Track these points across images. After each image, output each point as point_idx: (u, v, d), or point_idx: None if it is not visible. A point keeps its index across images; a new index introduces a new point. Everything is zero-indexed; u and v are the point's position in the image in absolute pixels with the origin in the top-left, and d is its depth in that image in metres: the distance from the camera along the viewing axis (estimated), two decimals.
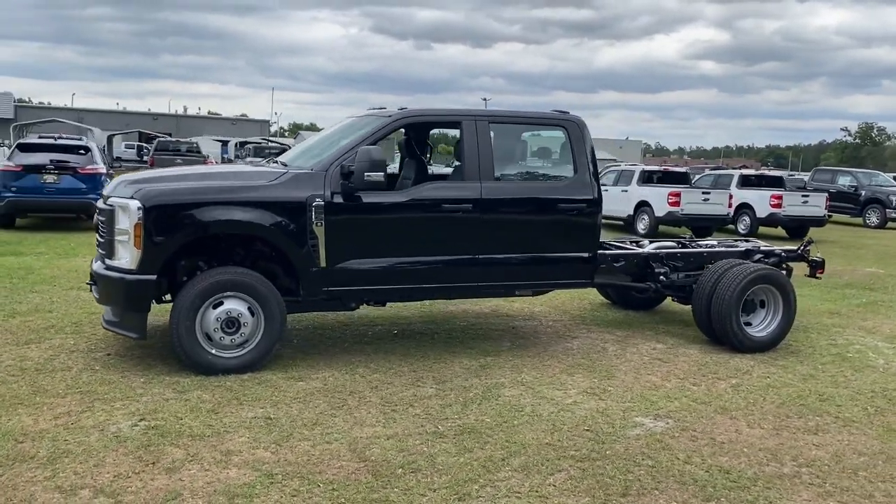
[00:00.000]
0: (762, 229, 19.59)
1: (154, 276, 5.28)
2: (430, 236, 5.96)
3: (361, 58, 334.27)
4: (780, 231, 19.91)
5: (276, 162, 6.42)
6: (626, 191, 19.27)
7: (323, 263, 5.62)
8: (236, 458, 4.06)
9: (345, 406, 4.94)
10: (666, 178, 19.85)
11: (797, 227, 19.69)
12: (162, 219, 5.27)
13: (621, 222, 19.10)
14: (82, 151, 14.46)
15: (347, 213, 5.66)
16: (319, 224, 5.55)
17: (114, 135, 50.42)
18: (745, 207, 19.68)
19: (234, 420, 4.60)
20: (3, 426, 4.34)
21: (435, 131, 8.85)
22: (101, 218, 5.53)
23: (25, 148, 14.37)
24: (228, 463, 3.99)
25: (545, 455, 4.31)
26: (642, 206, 18.67)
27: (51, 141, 14.74)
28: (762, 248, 7.75)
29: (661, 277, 7.14)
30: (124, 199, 5.33)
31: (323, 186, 5.60)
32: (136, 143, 56.98)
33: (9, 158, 14.03)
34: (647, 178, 19.47)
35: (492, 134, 6.18)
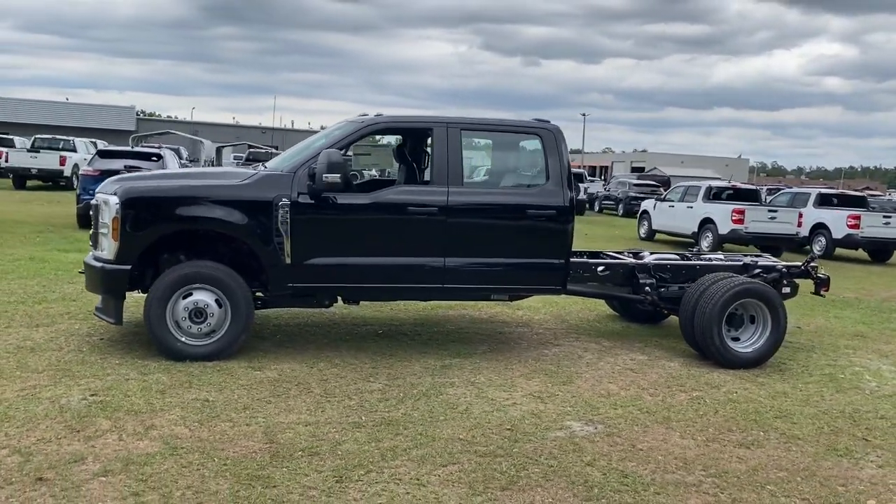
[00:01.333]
0: (841, 251, 18.62)
1: (128, 267, 5.74)
2: (395, 238, 6.17)
3: (470, 74, 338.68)
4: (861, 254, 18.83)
5: (264, 166, 6.82)
6: (692, 207, 18.78)
7: (288, 260, 5.93)
8: (155, 432, 4.40)
9: (285, 395, 5.21)
10: (735, 195, 19.18)
11: (878, 250, 18.59)
12: (136, 213, 5.73)
13: (689, 239, 18.60)
14: (155, 158, 15.54)
15: (312, 212, 5.95)
16: (285, 222, 5.87)
17: (223, 146, 53.32)
18: (820, 227, 18.75)
19: (175, 400, 4.95)
20: None
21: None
22: (91, 212, 6.06)
23: (105, 154, 15.60)
24: (144, 436, 4.33)
25: (449, 449, 4.42)
26: (707, 223, 18.14)
27: (127, 148, 15.90)
28: (762, 262, 7.50)
29: (647, 288, 7.04)
30: (107, 195, 5.83)
31: (290, 187, 5.93)
32: (243, 155, 60.09)
33: (89, 164, 15.26)
34: (714, 195, 18.90)
35: (462, 141, 6.34)
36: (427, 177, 6.80)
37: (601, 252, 7.92)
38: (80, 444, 4.15)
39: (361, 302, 7.17)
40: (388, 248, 6.16)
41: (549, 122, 6.71)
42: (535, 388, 5.71)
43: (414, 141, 7.48)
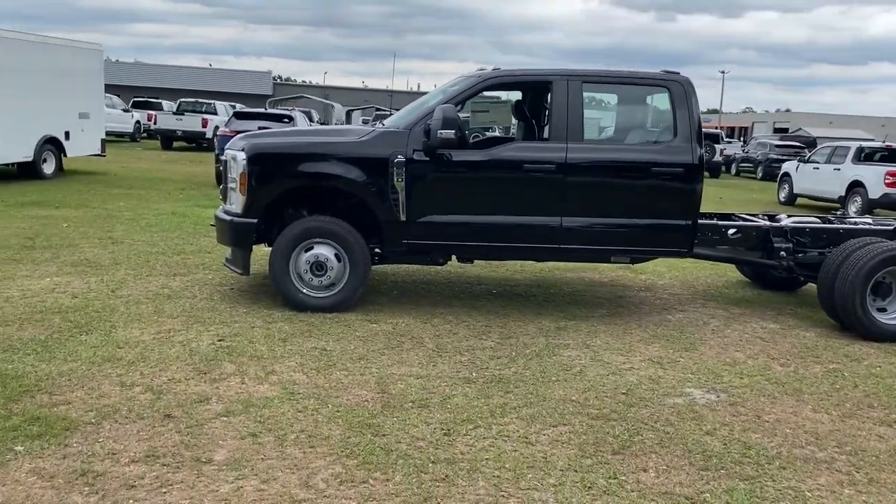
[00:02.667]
0: None
1: (255, 220, 5.96)
2: (511, 197, 6.06)
3: (600, 32, 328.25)
4: None
5: (382, 123, 6.85)
6: (839, 169, 17.41)
7: (403, 217, 5.96)
8: (274, 377, 4.58)
9: (398, 347, 5.28)
10: (889, 157, 17.58)
11: None
12: (262, 168, 5.93)
13: (835, 204, 17.28)
14: (286, 120, 16.10)
15: (427, 170, 5.94)
16: (400, 179, 5.89)
17: (352, 110, 54.81)
18: None
19: (295, 348, 5.13)
20: (114, 335, 5.24)
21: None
22: (221, 168, 6.32)
23: (240, 116, 16.35)
24: (265, 380, 4.51)
25: (560, 409, 4.32)
26: (855, 186, 16.78)
27: (261, 111, 16.57)
28: None
29: (782, 253, 6.57)
30: (235, 151, 6.07)
31: (406, 144, 5.93)
32: (370, 118, 61.52)
33: (226, 125, 16.04)
34: (865, 156, 17.41)
35: (584, 95, 6.10)
36: (546, 134, 6.62)
37: (732, 214, 7.46)
38: (206, 386, 4.38)
39: (476, 261, 7.14)
40: (503, 206, 6.06)
41: (678, 73, 6.32)
42: (655, 354, 5.48)
43: (532, 96, 7.28)
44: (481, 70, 6.64)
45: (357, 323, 5.79)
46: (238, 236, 6.06)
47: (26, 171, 14.97)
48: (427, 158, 5.92)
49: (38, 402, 4.05)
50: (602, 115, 6.69)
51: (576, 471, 3.57)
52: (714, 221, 6.76)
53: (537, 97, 7.23)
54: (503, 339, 5.63)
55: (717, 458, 3.80)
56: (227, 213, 6.16)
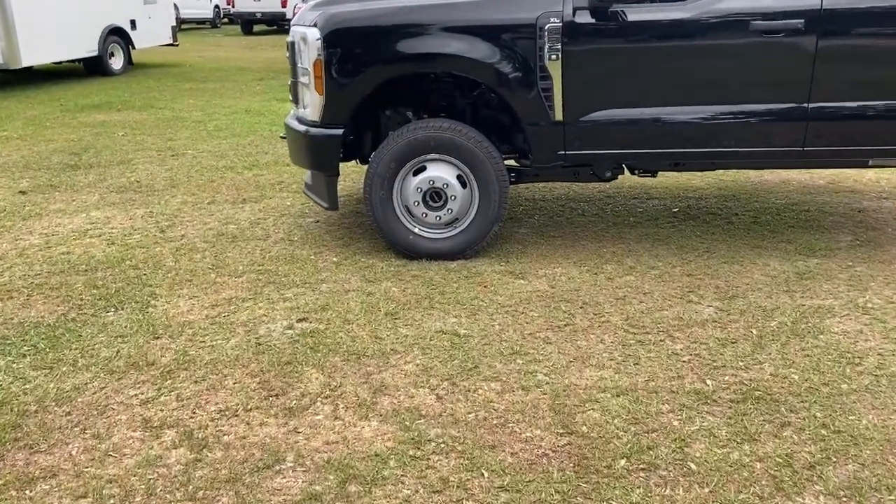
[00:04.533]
0: None
1: (340, 131, 4.08)
2: (728, 74, 3.91)
3: None
4: None
5: None
6: None
7: (559, 116, 3.94)
8: (385, 401, 2.82)
9: (568, 326, 3.41)
10: None
11: None
12: (345, 51, 3.98)
13: None
14: None
15: (597, 39, 3.85)
16: (555, 57, 3.83)
17: None
18: None
19: (412, 333, 3.35)
20: (152, 313, 3.61)
21: None
22: (287, 54, 4.41)
23: None
24: (371, 410, 2.77)
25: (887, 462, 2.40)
26: None
27: None
28: None
29: None
30: (305, 28, 4.11)
31: (562, 1, 3.81)
32: None
33: (305, 1, 13.95)
34: None
35: None
36: None
37: None
38: (275, 428, 2.67)
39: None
40: (716, 91, 3.93)
41: None
42: None
43: None
44: None
45: (495, 278, 3.94)
46: (317, 155, 4.21)
47: (94, 69, 13.53)
48: (597, 20, 3.81)
49: (6, 471, 2.45)
50: None
51: None
52: None
53: None
54: (723, 299, 3.66)
55: None
56: (300, 121, 4.30)
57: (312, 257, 4.31)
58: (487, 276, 3.98)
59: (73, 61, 13.33)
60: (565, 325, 3.41)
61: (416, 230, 4.18)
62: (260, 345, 3.27)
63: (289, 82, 4.45)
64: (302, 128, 4.20)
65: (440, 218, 4.14)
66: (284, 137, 4.62)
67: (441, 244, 4.17)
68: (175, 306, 3.69)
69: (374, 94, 4.10)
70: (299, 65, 4.19)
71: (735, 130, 3.96)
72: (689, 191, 5.57)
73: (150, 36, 14.79)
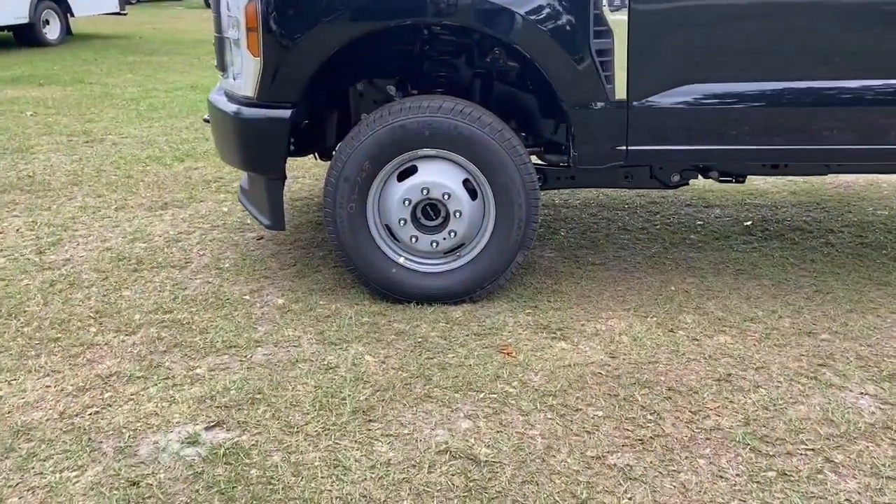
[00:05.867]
0: None
1: (288, 111, 2.68)
2: (857, 40, 2.60)
3: None
4: None
5: None
6: None
7: (621, 93, 2.60)
8: None
9: (657, 439, 2.07)
10: None
11: None
12: None
13: None
14: None
15: None
16: (617, 8, 2.48)
17: None
18: None
19: (399, 455, 1.99)
20: None
21: None
22: (211, 4, 3.00)
23: None
24: None
25: None
26: None
27: None
28: None
29: None
30: None
31: None
32: None
33: None
34: None
35: None
36: None
37: None
38: None
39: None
40: (842, 62, 2.61)
41: None
42: None
43: None
44: None
45: (525, 339, 2.60)
46: (252, 147, 2.80)
47: (25, 38, 11.86)
48: None
49: None
50: None
51: None
52: None
53: None
54: (878, 380, 2.35)
55: None
56: (229, 97, 2.89)
57: (247, 298, 2.93)
58: (511, 333, 2.63)
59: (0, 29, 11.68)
60: (651, 438, 2.07)
61: (402, 260, 2.82)
62: (133, 485, 1.89)
63: (215, 45, 3.04)
64: (231, 107, 2.80)
65: (437, 243, 2.78)
66: (208, 121, 3.21)
67: (439, 281, 2.81)
68: (17, 391, 2.30)
69: (340, 58, 2.71)
70: (224, 11, 2.78)
71: (866, 119, 2.65)
72: (756, 196, 4.26)
73: (93, 4, 13.12)
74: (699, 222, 3.84)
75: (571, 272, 3.18)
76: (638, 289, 3.02)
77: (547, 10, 2.54)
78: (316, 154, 3.28)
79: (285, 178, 2.82)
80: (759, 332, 2.66)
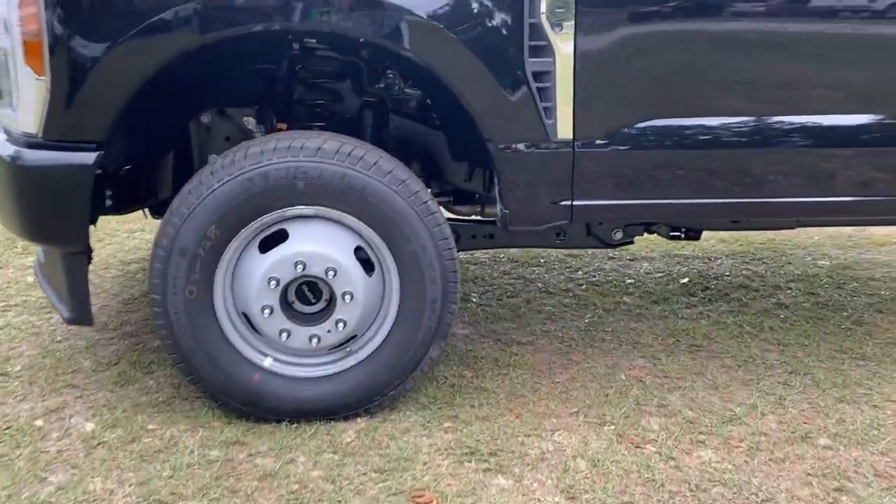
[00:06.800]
0: None
1: (91, 154, 1.82)
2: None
3: None
4: None
5: None
6: None
7: (565, 132, 1.93)
8: None
9: None
10: None
11: None
12: None
13: None
14: None
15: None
16: (560, 16, 1.83)
17: None
18: None
19: None
20: None
21: None
22: None
23: None
24: None
25: None
26: None
27: None
28: None
29: None
30: None
31: None
32: None
33: None
34: None
35: None
36: None
37: None
38: None
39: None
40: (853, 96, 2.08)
41: None
42: None
43: None
44: None
45: (454, 474, 1.85)
46: (38, 207, 1.91)
47: None
48: None
49: None
50: None
51: None
52: None
53: None
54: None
55: None
56: (7, 134, 1.98)
57: (39, 424, 2.02)
58: (426, 466, 1.87)
59: None
60: None
61: (269, 363, 2.00)
62: None
63: None
64: (7, 149, 1.90)
65: (319, 338, 1.98)
66: None
67: (323, 389, 2.01)
68: None
69: (174, 77, 1.89)
70: None
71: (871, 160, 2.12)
72: (682, 245, 3.74)
73: None
74: (629, 280, 3.25)
75: (495, 358, 2.47)
76: (582, 380, 2.34)
77: (468, 25, 1.85)
78: (146, 210, 2.41)
79: (91, 251, 1.94)
80: (744, 439, 2.05)
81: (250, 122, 2.22)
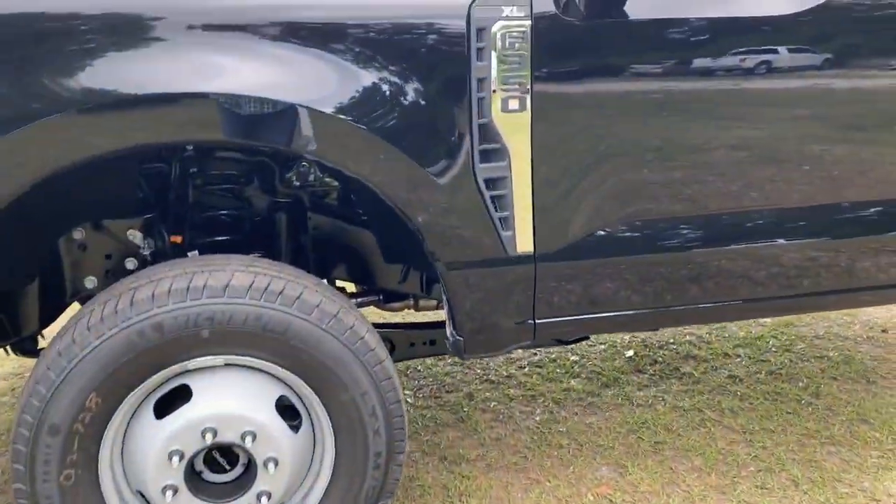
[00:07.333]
0: None
1: None
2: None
3: None
4: None
5: None
6: None
7: (525, 245, 1.63)
8: None
9: None
10: None
11: None
12: None
13: None
14: None
15: (610, 58, 1.62)
16: (515, 110, 1.53)
17: None
18: None
19: None
20: None
21: None
22: None
23: None
24: None
25: None
26: None
27: None
28: None
29: None
30: None
31: None
32: None
33: None
34: None
35: None
36: None
37: None
38: None
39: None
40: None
41: None
42: None
43: None
44: None
45: None
46: None
47: None
48: (595, 22, 1.58)
49: None
50: None
51: None
52: None
53: None
54: None
55: None
56: None
57: None
58: None
59: None
60: None
61: None
62: None
63: None
64: None
65: None
66: None
67: None
68: None
69: (31, 190, 1.48)
70: None
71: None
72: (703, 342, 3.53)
73: None
74: (573, 357, 3.00)
75: (443, 485, 2.14)
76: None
77: (402, 121, 1.52)
78: (8, 348, 1.94)
79: None
80: None
81: (136, 235, 1.82)
